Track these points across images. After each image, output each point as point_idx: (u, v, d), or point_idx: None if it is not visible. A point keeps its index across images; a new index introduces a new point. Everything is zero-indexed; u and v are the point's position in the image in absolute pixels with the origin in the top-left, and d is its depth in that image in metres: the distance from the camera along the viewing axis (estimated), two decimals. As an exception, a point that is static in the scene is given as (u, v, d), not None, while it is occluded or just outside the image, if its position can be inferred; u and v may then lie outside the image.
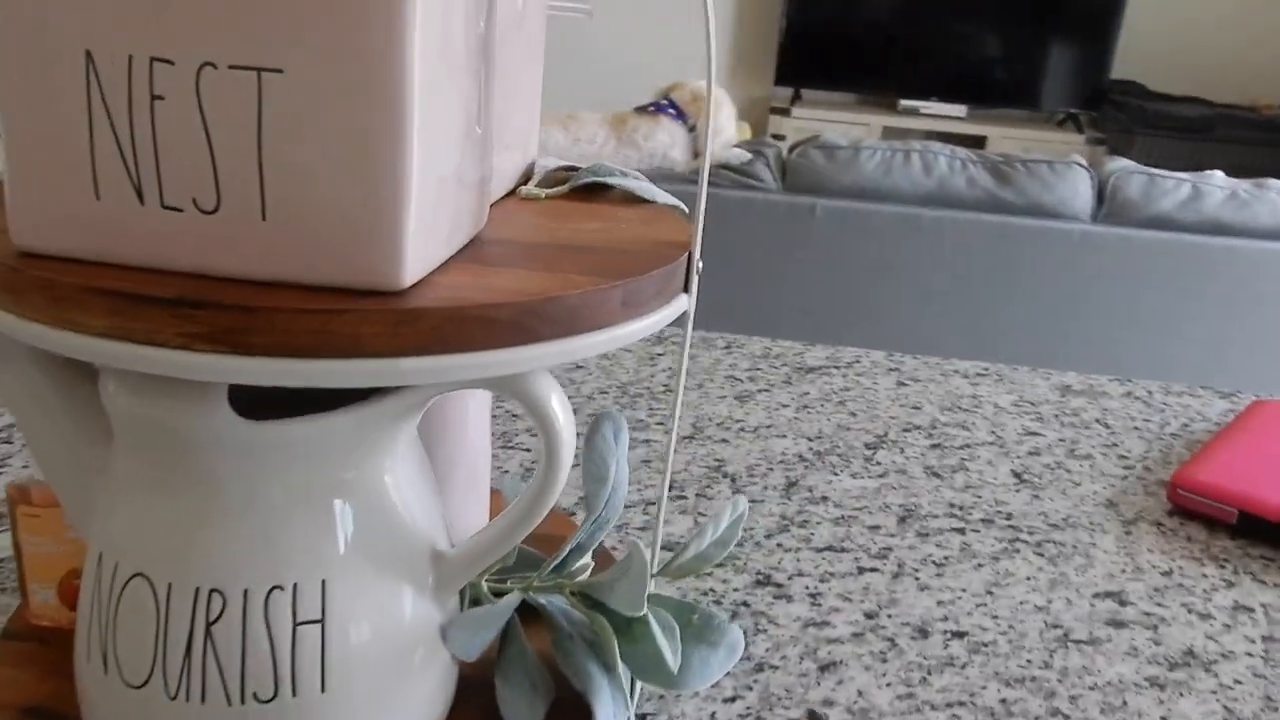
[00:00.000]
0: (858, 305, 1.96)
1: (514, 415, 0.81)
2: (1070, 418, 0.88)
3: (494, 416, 0.80)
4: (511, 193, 0.48)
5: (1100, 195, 1.91)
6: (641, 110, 2.01)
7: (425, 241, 0.34)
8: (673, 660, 0.44)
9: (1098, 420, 0.88)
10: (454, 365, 0.33)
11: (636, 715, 0.50)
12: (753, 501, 0.71)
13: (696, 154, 1.98)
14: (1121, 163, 1.92)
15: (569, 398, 0.84)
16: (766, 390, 0.89)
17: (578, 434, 0.75)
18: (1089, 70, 3.85)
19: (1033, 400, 0.91)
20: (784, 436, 0.81)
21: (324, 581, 0.37)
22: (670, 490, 0.71)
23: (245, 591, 0.36)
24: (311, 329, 0.31)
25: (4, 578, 0.56)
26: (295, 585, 0.36)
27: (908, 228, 1.91)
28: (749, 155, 1.93)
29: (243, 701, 0.36)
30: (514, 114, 0.48)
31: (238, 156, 0.31)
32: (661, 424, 0.81)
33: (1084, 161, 1.91)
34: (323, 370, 0.32)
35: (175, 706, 0.36)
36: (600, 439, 0.46)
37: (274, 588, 0.36)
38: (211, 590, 0.36)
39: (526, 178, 0.50)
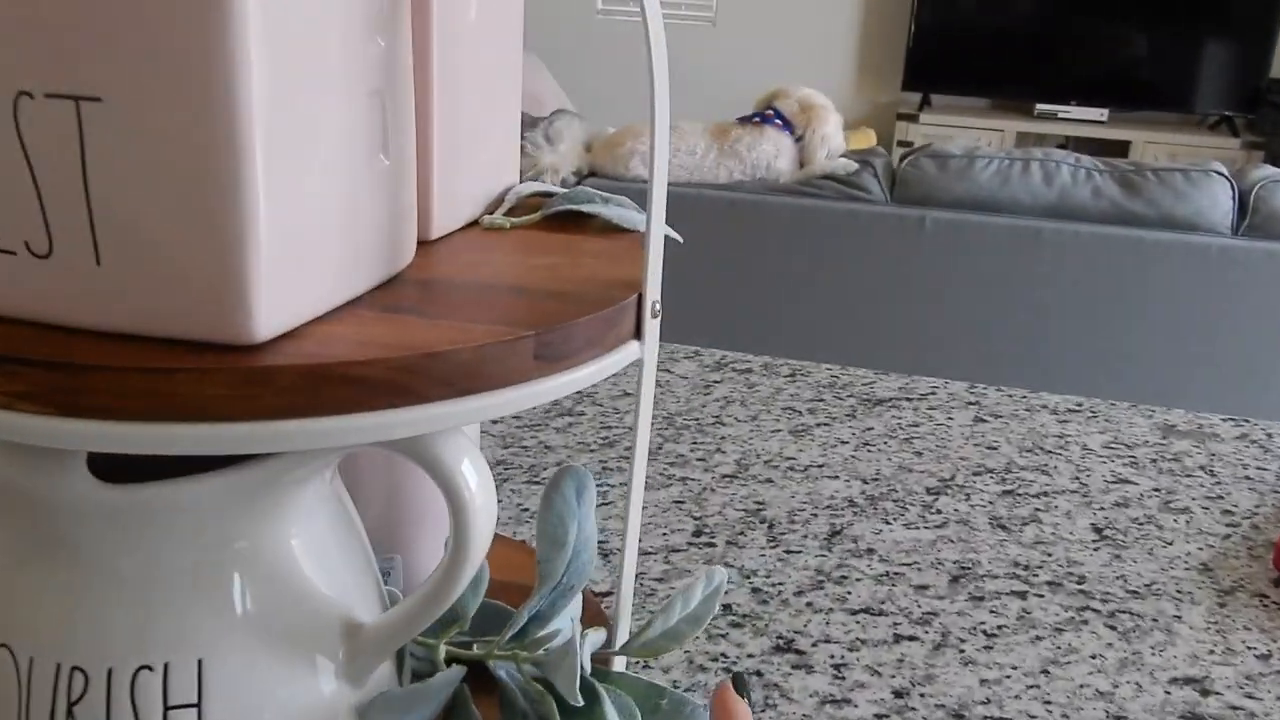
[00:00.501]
0: (967, 324, 1.85)
1: (546, 447, 0.77)
2: (1170, 463, 0.79)
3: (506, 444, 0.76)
4: (475, 222, 0.44)
5: (1243, 206, 1.75)
6: (745, 120, 1.95)
7: (290, 289, 0.29)
8: (625, 754, 0.38)
9: (1202, 468, 0.78)
10: (315, 431, 0.29)
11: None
12: (789, 552, 0.64)
13: (803, 164, 1.91)
14: (1266, 170, 1.76)
15: (611, 428, 0.80)
16: (826, 424, 0.82)
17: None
18: (1245, 69, 3.59)
19: (1129, 442, 0.82)
20: (836, 477, 0.74)
21: (200, 661, 0.33)
22: (699, 536, 0.65)
23: (110, 671, 0.32)
24: (146, 389, 0.28)
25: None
26: (166, 665, 0.32)
27: (1025, 242, 1.79)
28: (856, 165, 1.84)
29: (111, 792, 0.33)
30: (482, 135, 0.43)
31: (65, 195, 0.28)
32: (703, 460, 0.76)
33: (1223, 169, 1.76)
34: (160, 436, 0.28)
35: (42, 793, 0.33)
36: (559, 498, 0.41)
37: (142, 667, 0.32)
38: (74, 668, 0.32)
39: (498, 204, 0.46)
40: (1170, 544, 0.68)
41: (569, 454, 0.75)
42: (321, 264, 0.31)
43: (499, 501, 0.69)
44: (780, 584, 0.61)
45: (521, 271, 0.38)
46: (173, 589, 0.32)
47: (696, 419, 0.82)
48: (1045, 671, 0.55)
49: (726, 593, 0.60)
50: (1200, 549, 0.67)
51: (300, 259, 0.30)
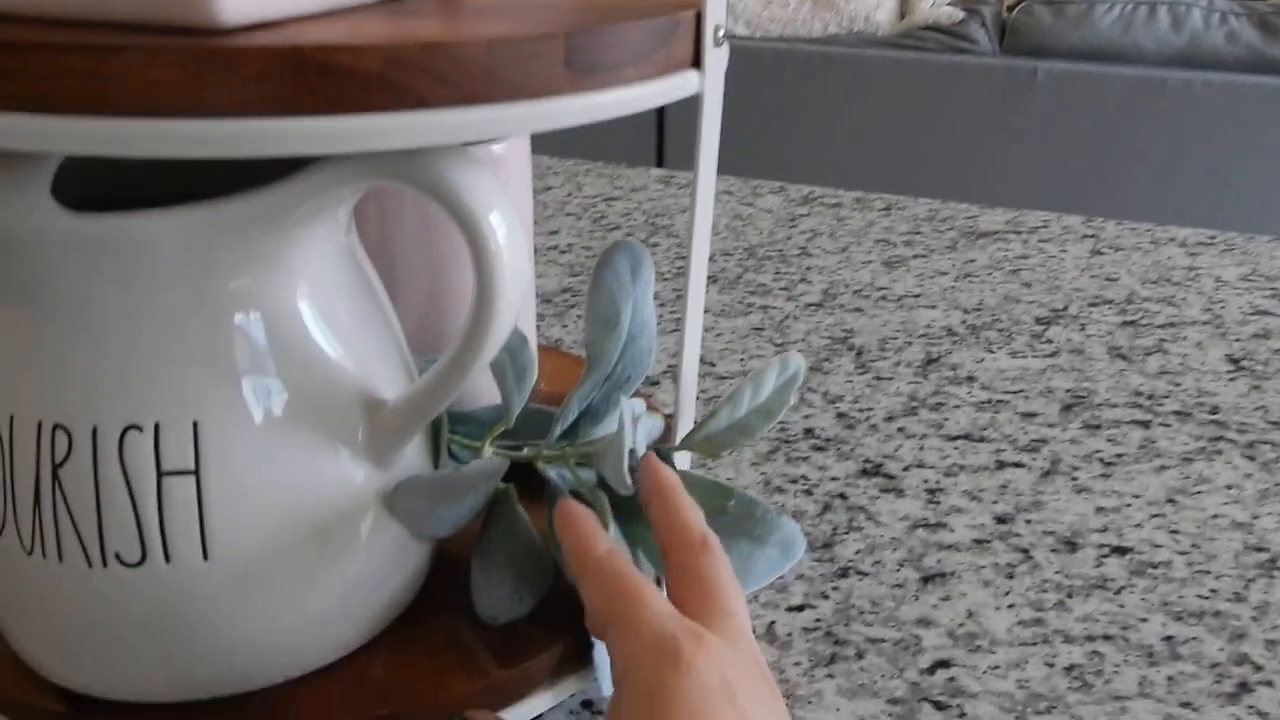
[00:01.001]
0: (1080, 186, 1.72)
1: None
2: (1319, 295, 0.70)
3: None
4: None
5: (1401, 48, 1.58)
6: (842, -31, 1.82)
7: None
8: (685, 554, 0.34)
9: (1358, 298, 0.69)
10: (287, 133, 0.24)
11: (672, 620, 0.40)
12: (880, 379, 0.59)
13: (904, 14, 1.78)
14: None
15: (679, 263, 0.74)
16: (923, 256, 0.75)
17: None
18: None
19: (1269, 274, 0.73)
20: (934, 307, 0.67)
21: (196, 424, 0.29)
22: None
23: (94, 430, 0.29)
24: (84, 73, 0.23)
25: None
26: (157, 426, 0.29)
27: (1149, 93, 1.64)
28: (961, 14, 1.71)
29: (104, 564, 0.29)
30: None
31: None
32: (787, 289, 0.70)
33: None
34: (101, 132, 0.23)
35: (34, 564, 0.30)
36: (610, 274, 0.36)
37: (130, 427, 0.29)
38: (55, 426, 0.29)
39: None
40: (1318, 375, 0.60)
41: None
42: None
43: (565, 326, 0.64)
44: (869, 409, 0.56)
45: (559, -10, 0.32)
46: (161, 339, 0.28)
47: (780, 250, 0.76)
48: (1172, 501, 0.49)
49: (808, 416, 0.55)
50: (1354, 381, 0.59)
51: (275, -78, 0.24)
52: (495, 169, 0.44)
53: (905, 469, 0.51)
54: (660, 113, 1.84)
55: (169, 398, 0.29)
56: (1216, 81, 1.60)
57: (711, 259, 0.74)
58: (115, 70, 0.23)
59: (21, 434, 0.29)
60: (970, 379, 0.59)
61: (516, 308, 0.29)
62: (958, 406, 0.56)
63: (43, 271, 0.28)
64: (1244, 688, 0.38)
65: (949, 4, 1.79)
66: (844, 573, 0.43)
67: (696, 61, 0.31)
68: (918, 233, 0.79)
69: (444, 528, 0.35)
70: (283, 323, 0.30)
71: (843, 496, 0.48)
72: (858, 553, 0.45)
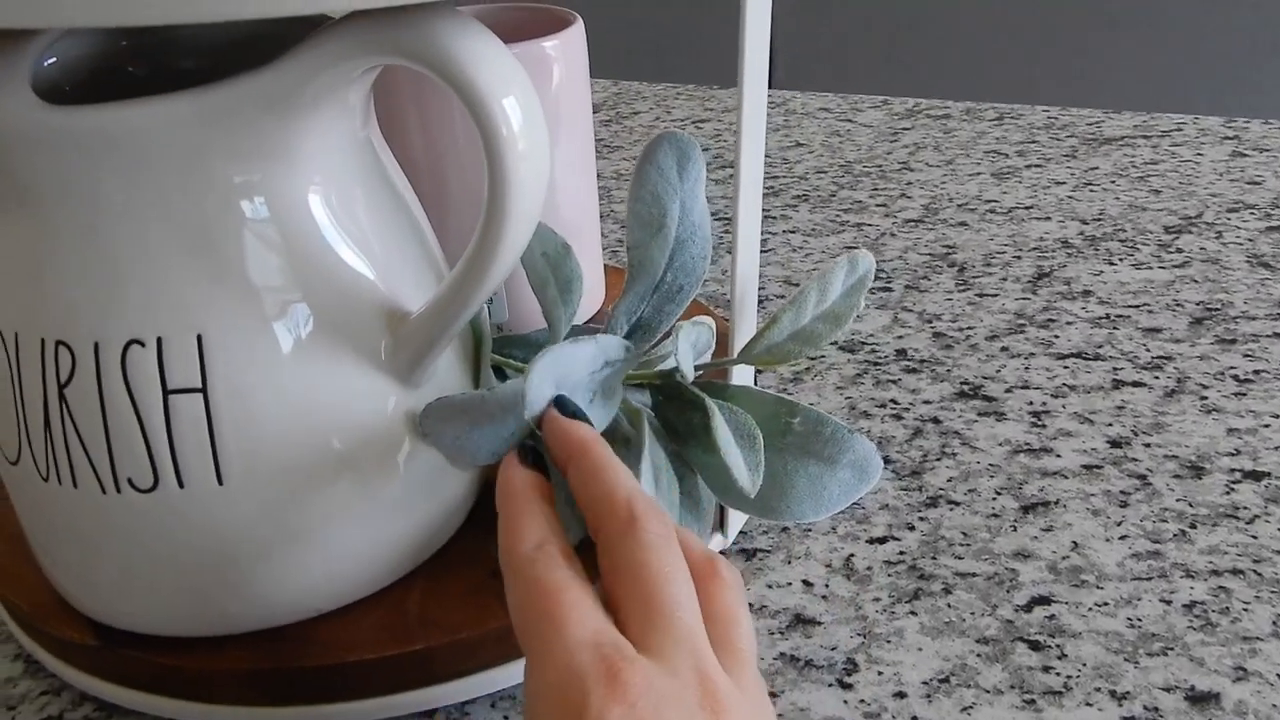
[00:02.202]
0: (1220, 81, 1.58)
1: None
2: None
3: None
4: None
5: None
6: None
7: None
8: (745, 477, 0.30)
9: None
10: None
11: (742, 551, 0.37)
12: (982, 295, 0.54)
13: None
14: None
15: (779, 177, 0.69)
16: (1038, 166, 0.69)
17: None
18: None
19: None
20: (1048, 219, 0.62)
21: (200, 337, 0.27)
22: (873, 282, 0.56)
23: (96, 346, 0.27)
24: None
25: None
26: (160, 340, 0.27)
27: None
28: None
29: (118, 490, 0.28)
30: None
31: None
32: (884, 205, 0.65)
33: None
34: None
35: (50, 490, 0.29)
36: (654, 170, 0.33)
37: (132, 342, 0.27)
38: (58, 343, 0.27)
39: None
40: None
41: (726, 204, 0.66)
42: None
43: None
44: (970, 328, 0.51)
45: None
46: (160, 244, 0.26)
47: (880, 165, 0.71)
48: (1318, 421, 0.43)
49: (900, 337, 0.50)
50: None
51: None
52: (549, 69, 0.41)
53: (1008, 390, 0.46)
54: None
55: (170, 310, 0.27)
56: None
57: (803, 178, 0.69)
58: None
59: (27, 352, 0.28)
60: (1086, 293, 0.53)
61: (535, 204, 0.26)
62: (1070, 323, 0.51)
63: (32, 173, 0.26)
64: (1403, 630, 0.33)
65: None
66: (933, 502, 0.39)
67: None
68: (1033, 142, 0.73)
69: (483, 455, 0.32)
70: (293, 222, 0.27)
71: (935, 421, 0.44)
72: (949, 480, 0.41)
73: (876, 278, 0.56)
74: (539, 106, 0.26)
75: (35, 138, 0.25)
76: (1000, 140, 0.74)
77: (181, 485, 0.28)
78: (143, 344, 0.27)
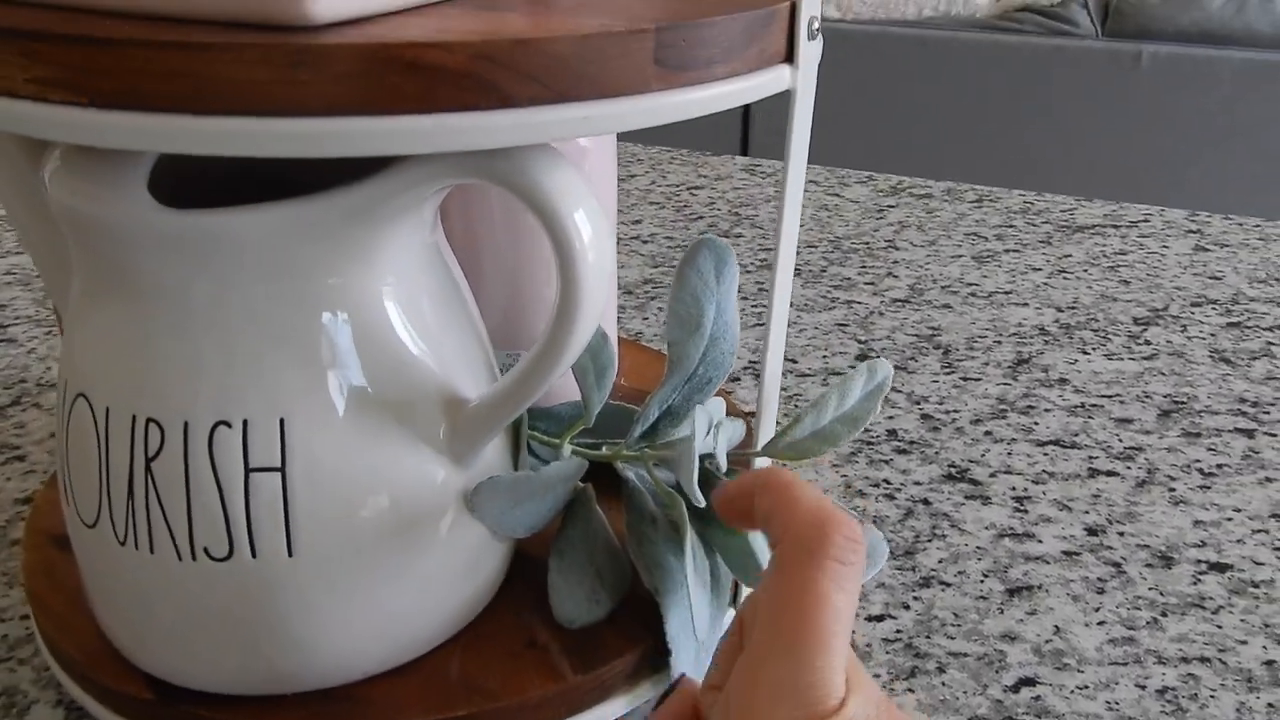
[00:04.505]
0: (1185, 173, 1.66)
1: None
2: None
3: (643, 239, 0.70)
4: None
5: None
6: (937, -51, 1.77)
7: (354, -42, 0.24)
8: (764, 557, 0.33)
9: None
10: (375, 132, 0.24)
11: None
12: (966, 379, 0.57)
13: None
14: None
15: (770, 251, 0.73)
16: (1015, 251, 0.73)
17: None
18: None
19: (1389, 275, 0.69)
20: (1025, 305, 0.65)
21: (283, 420, 0.29)
22: (863, 360, 0.59)
23: (185, 425, 0.29)
24: (175, 70, 0.23)
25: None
26: (246, 422, 0.29)
27: (1262, 77, 1.57)
28: (1061, -5, 1.65)
29: (194, 557, 0.30)
30: None
31: None
32: (872, 283, 0.68)
33: None
34: (192, 131, 0.23)
35: (126, 554, 0.31)
36: (694, 274, 0.35)
37: (219, 423, 0.29)
38: (149, 420, 0.29)
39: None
40: None
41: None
42: (395, -63, 0.25)
43: (646, 319, 0.64)
44: (955, 411, 0.54)
45: (650, -14, 0.31)
46: (250, 336, 0.29)
47: (867, 243, 0.74)
48: (1276, 516, 0.46)
49: (891, 418, 0.53)
50: None
51: (365, -77, 0.24)
52: (580, 161, 0.44)
53: (992, 475, 0.49)
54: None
55: (258, 394, 0.29)
56: (1334, 67, 1.53)
57: (795, 251, 0.73)
58: (206, 68, 0.23)
59: (117, 426, 0.30)
60: (1062, 381, 0.57)
61: (600, 309, 0.29)
62: (1049, 410, 0.54)
63: (138, 265, 0.28)
64: (1352, 720, 0.36)
65: (1048, -16, 1.73)
66: (926, 582, 0.42)
67: (789, 56, 0.30)
68: (1010, 226, 0.77)
69: (523, 528, 0.35)
70: (368, 320, 0.30)
71: (926, 502, 0.47)
72: (940, 562, 0.44)
73: (868, 357, 0.59)
74: (604, 219, 0.29)
75: (149, 237, 0.28)
76: (979, 223, 0.78)
77: (254, 555, 0.30)
78: (229, 425, 0.29)
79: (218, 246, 0.28)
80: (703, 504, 0.32)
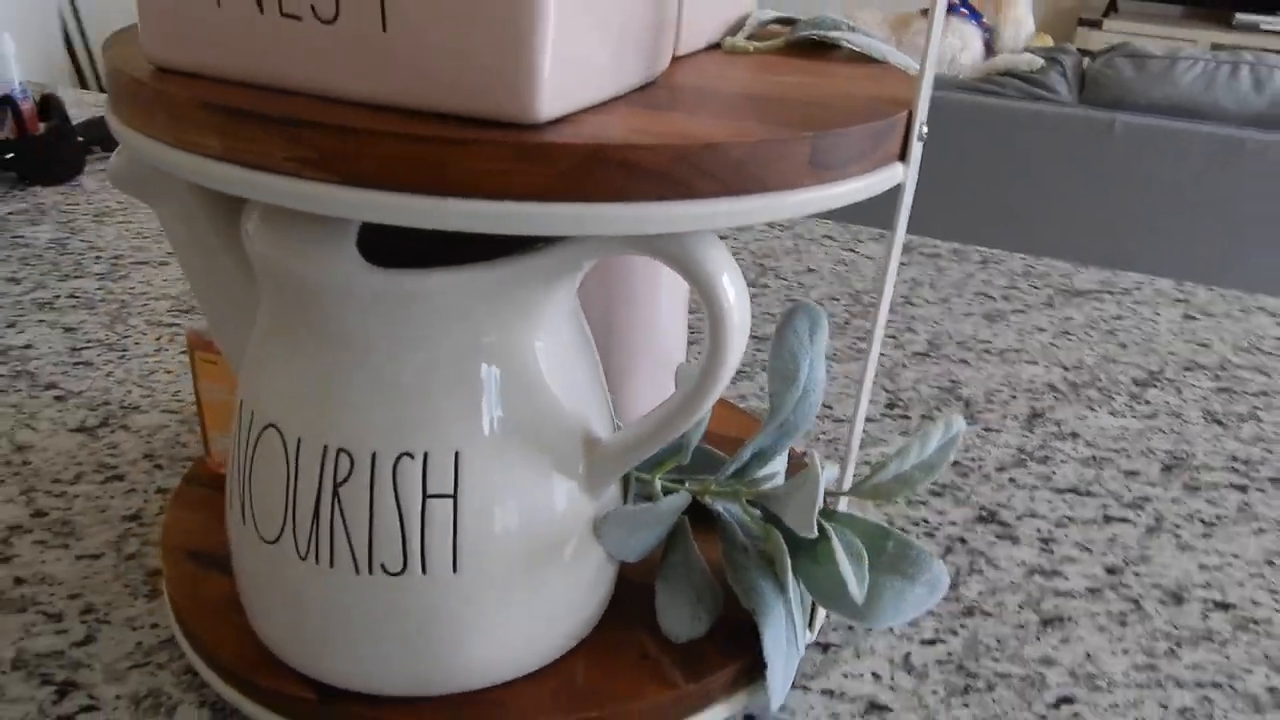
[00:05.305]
0: (1157, 236, 1.75)
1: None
2: None
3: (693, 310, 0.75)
4: (716, 44, 0.43)
5: None
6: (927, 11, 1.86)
7: (569, 72, 0.29)
8: (856, 589, 0.38)
9: None
10: (588, 216, 0.28)
11: (819, 644, 0.45)
12: (988, 430, 0.62)
13: (992, 51, 1.81)
14: None
15: (794, 301, 0.78)
16: (1022, 312, 0.79)
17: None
18: None
19: (1359, 346, 0.76)
20: (1035, 363, 0.71)
21: (458, 454, 0.34)
22: (893, 409, 0.64)
23: (373, 455, 0.33)
24: (424, 159, 0.28)
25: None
26: (426, 455, 0.33)
27: (1227, 152, 1.67)
28: (1041, 61, 1.74)
29: (370, 571, 0.34)
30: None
31: (359, -40, 0.27)
32: (894, 337, 0.74)
33: None
34: (434, 209, 0.28)
35: (305, 567, 0.35)
36: (791, 333, 0.40)
37: (403, 454, 0.33)
38: (339, 450, 0.33)
39: (735, 28, 0.44)
40: None
41: (755, 322, 0.74)
42: (597, 51, 0.30)
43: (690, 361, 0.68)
44: (980, 459, 0.59)
45: (776, 86, 0.36)
46: (433, 380, 0.33)
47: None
48: (1270, 563, 0.52)
49: (926, 463, 0.58)
50: None
51: (580, 43, 0.29)
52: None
53: (1018, 518, 0.54)
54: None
55: (437, 431, 0.33)
56: (1294, 143, 1.62)
57: (820, 302, 0.78)
58: (448, 158, 0.28)
59: (307, 455, 0.34)
60: (1074, 435, 0.63)
61: (740, 355, 0.34)
62: (1064, 461, 0.60)
63: (339, 315, 0.33)
64: (1347, 741, 0.41)
65: (1029, 50, 1.82)
66: (969, 611, 0.47)
67: (903, 155, 0.35)
68: (1015, 288, 0.83)
69: (635, 554, 0.39)
70: (525, 369, 0.34)
71: (963, 540, 0.52)
72: (980, 594, 0.49)
73: (896, 406, 0.64)
74: (744, 285, 0.34)
75: (354, 292, 0.32)
76: (986, 284, 0.84)
77: (424, 571, 0.34)
78: (412, 456, 0.33)
79: (412, 302, 0.32)
80: (815, 535, 0.37)
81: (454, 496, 0.34)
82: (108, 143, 1.00)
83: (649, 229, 0.29)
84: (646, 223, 0.29)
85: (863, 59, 0.42)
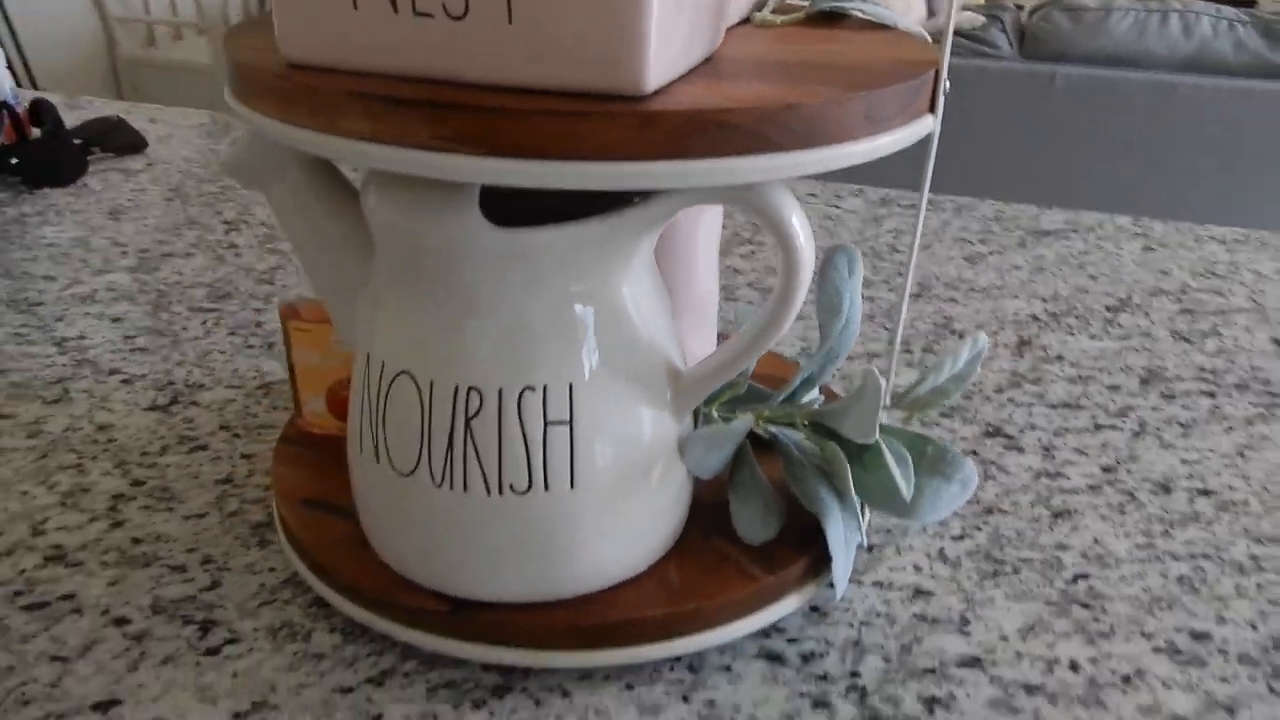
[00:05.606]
0: (1098, 182, 1.83)
1: (735, 271, 0.82)
2: (1345, 284, 0.81)
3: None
4: (745, 20, 0.48)
5: (1394, 54, 1.69)
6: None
7: (665, 49, 0.34)
8: (905, 488, 0.44)
9: (1378, 287, 0.80)
10: (693, 171, 0.34)
11: (865, 547, 0.51)
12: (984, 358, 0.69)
13: (932, 12, 1.88)
14: None
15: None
16: (998, 252, 0.86)
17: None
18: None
19: (1301, 265, 0.84)
20: (1016, 297, 0.78)
21: (571, 385, 0.39)
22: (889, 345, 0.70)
23: (500, 391, 0.38)
24: (559, 131, 0.33)
25: (284, 394, 0.62)
26: (545, 387, 0.39)
27: (1161, 97, 1.75)
28: (982, 19, 1.81)
29: (500, 493, 0.39)
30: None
31: (488, -39, 0.32)
32: (886, 281, 0.80)
33: (1376, 15, 1.69)
34: (568, 172, 0.33)
35: (440, 494, 0.40)
36: (834, 270, 0.46)
37: (526, 388, 0.38)
38: (470, 388, 0.39)
39: (759, 6, 0.49)
40: (1351, 352, 0.71)
41: (756, 276, 0.80)
42: (681, 32, 0.35)
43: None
44: (980, 383, 0.66)
45: (816, 54, 0.42)
46: (548, 323, 0.38)
47: (872, 248, 0.86)
48: (1242, 454, 0.59)
49: (932, 389, 0.65)
50: (1382, 357, 0.70)
51: (672, 25, 0.34)
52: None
53: (1020, 431, 0.61)
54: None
55: (553, 367, 0.39)
56: (1225, 87, 1.71)
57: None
58: (577, 129, 0.33)
59: (440, 396, 0.39)
60: (1059, 358, 0.69)
61: (807, 289, 0.39)
62: (1053, 381, 0.66)
63: (466, 272, 0.38)
64: (1320, 592, 0.49)
65: (968, 9, 1.89)
66: (989, 511, 0.54)
67: (931, 107, 0.41)
68: (989, 231, 0.90)
69: (710, 470, 0.45)
70: (622, 309, 0.40)
71: (975, 452, 0.59)
72: (996, 495, 0.55)
73: (906, 340, 0.71)
74: (809, 225, 0.39)
75: (479, 250, 0.37)
76: (963, 229, 0.90)
77: (547, 489, 0.39)
78: (534, 389, 0.39)
79: (528, 255, 0.37)
80: (874, 440, 0.43)
81: (570, 423, 0.39)
82: (106, 144, 1.02)
83: (737, 180, 0.35)
84: (736, 174, 0.34)
85: (874, 26, 0.48)
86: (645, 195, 0.38)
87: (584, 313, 0.39)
